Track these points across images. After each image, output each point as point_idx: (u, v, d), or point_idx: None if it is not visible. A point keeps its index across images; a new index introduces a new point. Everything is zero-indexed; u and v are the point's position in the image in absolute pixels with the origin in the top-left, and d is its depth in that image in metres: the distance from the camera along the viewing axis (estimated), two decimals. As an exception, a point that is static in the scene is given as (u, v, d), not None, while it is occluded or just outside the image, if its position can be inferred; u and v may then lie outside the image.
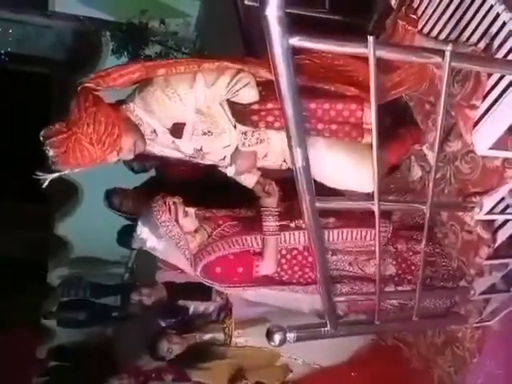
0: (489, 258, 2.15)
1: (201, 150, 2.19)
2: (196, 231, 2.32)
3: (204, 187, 3.02)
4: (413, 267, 2.48)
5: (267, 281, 2.37)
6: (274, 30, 1.16)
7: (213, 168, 2.39)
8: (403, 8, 1.97)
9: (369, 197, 1.76)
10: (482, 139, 1.65)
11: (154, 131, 2.11)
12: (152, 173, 3.88)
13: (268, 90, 2.06)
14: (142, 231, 2.30)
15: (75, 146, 1.91)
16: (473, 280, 2.38)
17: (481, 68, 1.43)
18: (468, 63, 1.39)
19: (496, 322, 2.60)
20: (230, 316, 3.50)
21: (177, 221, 2.25)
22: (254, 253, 2.33)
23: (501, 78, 1.59)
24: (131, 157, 2.12)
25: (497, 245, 2.14)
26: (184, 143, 2.15)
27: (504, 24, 1.61)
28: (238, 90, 2.04)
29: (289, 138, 1.40)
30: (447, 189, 2.06)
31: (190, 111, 2.06)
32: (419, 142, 2.27)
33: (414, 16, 1.93)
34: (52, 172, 1.98)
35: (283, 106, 1.31)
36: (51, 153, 1.93)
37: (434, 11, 1.84)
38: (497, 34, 1.63)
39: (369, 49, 1.24)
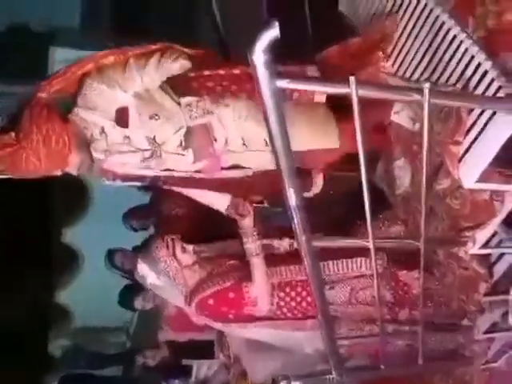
0: (487, 293, 2.17)
1: (155, 139, 2.12)
2: (195, 267, 2.34)
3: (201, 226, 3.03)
4: (410, 295, 2.49)
5: (262, 317, 2.37)
6: (261, 74, 1.25)
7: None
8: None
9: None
10: (468, 173, 1.72)
11: (103, 130, 2.07)
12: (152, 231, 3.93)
13: (200, 64, 2.13)
14: (142, 268, 2.35)
15: (21, 160, 1.94)
16: (475, 318, 2.39)
17: (459, 103, 1.52)
18: (447, 100, 1.48)
19: (503, 363, 2.59)
20: (246, 377, 3.42)
21: (175, 256, 2.29)
22: (245, 281, 2.36)
23: (481, 113, 1.67)
24: (74, 173, 2.13)
25: (494, 280, 2.17)
26: (134, 133, 2.09)
27: (479, 65, 1.71)
28: (169, 64, 2.06)
29: (281, 179, 1.47)
30: (440, 226, 2.10)
31: (130, 96, 2.06)
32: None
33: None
34: None
35: (274, 145, 1.38)
36: None
37: (410, 54, 1.97)
38: (472, 75, 1.73)
39: (351, 89, 1.33)
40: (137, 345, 6.76)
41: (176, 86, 2.14)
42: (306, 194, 2.66)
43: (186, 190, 2.37)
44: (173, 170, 2.22)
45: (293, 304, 2.40)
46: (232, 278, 2.34)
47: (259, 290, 2.34)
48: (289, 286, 2.41)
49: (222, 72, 2.20)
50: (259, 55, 1.22)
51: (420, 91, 1.37)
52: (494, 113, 1.61)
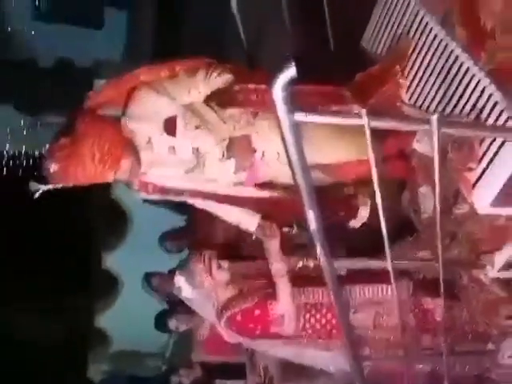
0: (509, 317, 2.22)
1: (198, 150, 2.19)
2: (228, 284, 2.46)
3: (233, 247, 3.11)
4: (434, 322, 2.54)
5: (289, 336, 2.46)
6: (280, 109, 1.38)
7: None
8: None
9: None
10: (482, 198, 1.80)
11: (149, 140, 2.14)
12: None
13: (242, 78, 2.22)
14: (179, 280, 2.47)
15: (78, 162, 1.99)
16: (499, 342, 2.43)
17: (470, 133, 1.62)
18: (457, 129, 1.59)
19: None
20: None
21: (210, 272, 2.42)
22: (270, 299, 2.44)
23: (492, 142, 1.77)
24: (125, 178, 2.16)
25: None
26: (180, 143, 2.16)
27: (490, 96, 1.81)
28: (215, 78, 2.16)
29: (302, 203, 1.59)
30: (461, 250, 2.18)
31: (179, 105, 2.14)
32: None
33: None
34: (46, 184, 2.04)
35: (294, 175, 1.50)
36: (53, 167, 1.99)
37: (426, 87, 2.09)
38: (484, 106, 1.83)
39: (363, 120, 1.45)
40: (172, 367, 6.88)
41: (220, 98, 2.24)
42: (353, 224, 2.74)
43: (217, 208, 2.40)
44: (215, 181, 2.30)
45: (318, 326, 2.48)
46: (259, 296, 2.44)
47: (284, 309, 2.43)
48: (314, 308, 2.51)
49: (263, 86, 2.23)
50: (278, 92, 1.35)
51: (429, 121, 1.49)
52: (504, 141, 1.71)
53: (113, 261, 7.31)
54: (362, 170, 2.56)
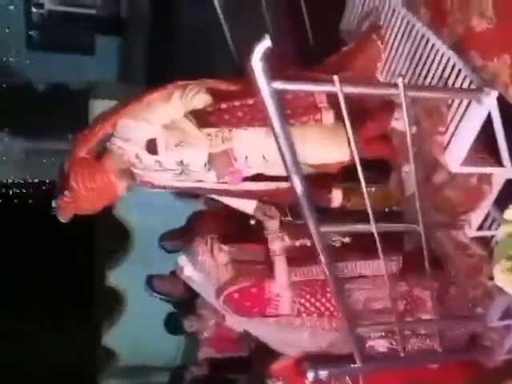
0: (491, 278, 2.33)
1: (182, 163, 2.46)
2: (227, 265, 2.61)
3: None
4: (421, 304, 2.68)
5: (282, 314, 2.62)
6: (259, 78, 1.54)
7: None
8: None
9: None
10: (453, 158, 1.96)
11: (137, 156, 2.43)
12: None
13: (219, 95, 2.41)
14: (182, 259, 2.63)
15: (80, 208, 2.41)
16: (486, 305, 2.54)
17: (434, 95, 1.79)
18: (422, 92, 1.76)
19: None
20: None
21: (212, 253, 2.58)
22: (268, 278, 2.61)
23: (458, 106, 1.93)
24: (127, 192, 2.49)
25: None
26: (164, 158, 2.44)
27: (454, 65, 1.98)
28: (191, 98, 2.37)
29: (286, 168, 1.74)
30: (439, 215, 2.33)
31: (157, 127, 2.40)
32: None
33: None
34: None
35: (277, 141, 1.65)
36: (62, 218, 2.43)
37: (397, 64, 2.27)
38: (449, 75, 2.00)
39: (336, 87, 1.62)
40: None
41: (197, 117, 2.45)
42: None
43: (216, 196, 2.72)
44: (202, 181, 2.57)
45: (312, 300, 2.63)
46: (256, 276, 2.59)
47: (281, 288, 2.59)
48: (309, 286, 2.65)
49: (237, 103, 2.47)
50: (256, 63, 1.51)
51: (397, 86, 1.65)
52: (470, 103, 1.87)
53: (117, 277, 7.37)
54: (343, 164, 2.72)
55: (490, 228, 2.23)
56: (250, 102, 2.42)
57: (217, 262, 2.59)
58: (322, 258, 2.04)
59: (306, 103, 2.37)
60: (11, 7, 7.52)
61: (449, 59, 2.00)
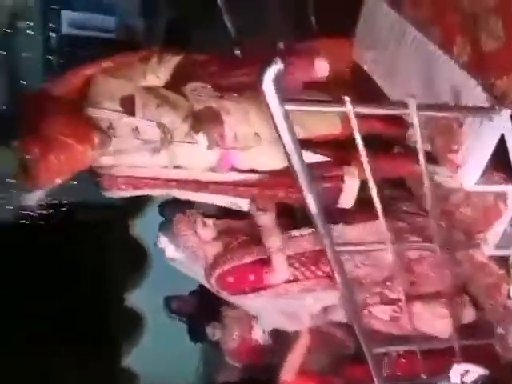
0: (509, 296, 2.31)
1: (165, 127, 2.25)
2: (214, 240, 2.46)
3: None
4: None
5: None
6: (271, 101, 1.55)
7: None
8: None
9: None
10: (468, 176, 1.94)
11: (111, 125, 2.21)
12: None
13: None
14: (161, 241, 2.49)
15: (54, 146, 2.12)
16: (507, 325, 2.50)
17: (446, 114, 1.79)
18: (433, 111, 1.76)
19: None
20: None
21: (195, 230, 2.43)
22: (265, 262, 2.48)
23: (470, 124, 1.92)
24: (101, 154, 2.24)
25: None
26: (143, 123, 2.23)
27: (466, 84, 1.98)
28: (168, 60, 2.35)
29: (300, 188, 1.73)
30: (457, 233, 2.31)
31: (136, 86, 2.27)
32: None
33: None
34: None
35: (289, 160, 1.66)
36: (34, 163, 2.11)
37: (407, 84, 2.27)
38: (459, 94, 1.99)
39: (347, 108, 1.62)
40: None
41: (181, 76, 2.38)
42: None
43: (204, 198, 2.47)
44: (185, 168, 2.36)
45: (307, 263, 2.52)
46: (249, 254, 2.45)
47: (280, 280, 2.48)
48: (305, 256, 2.54)
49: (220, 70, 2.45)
50: (268, 85, 1.52)
51: (406, 105, 1.66)
52: (482, 121, 1.86)
53: (136, 299, 7.40)
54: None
55: (507, 246, 2.20)
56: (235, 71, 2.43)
57: (202, 239, 2.43)
58: (337, 278, 2.03)
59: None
60: (29, 31, 7.67)
61: (459, 77, 2.00)
